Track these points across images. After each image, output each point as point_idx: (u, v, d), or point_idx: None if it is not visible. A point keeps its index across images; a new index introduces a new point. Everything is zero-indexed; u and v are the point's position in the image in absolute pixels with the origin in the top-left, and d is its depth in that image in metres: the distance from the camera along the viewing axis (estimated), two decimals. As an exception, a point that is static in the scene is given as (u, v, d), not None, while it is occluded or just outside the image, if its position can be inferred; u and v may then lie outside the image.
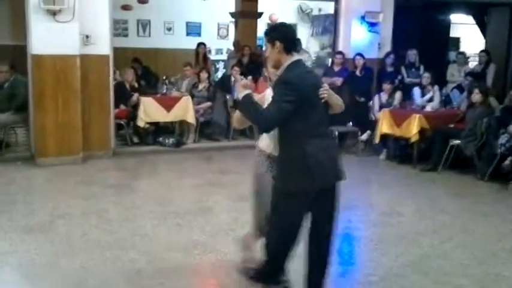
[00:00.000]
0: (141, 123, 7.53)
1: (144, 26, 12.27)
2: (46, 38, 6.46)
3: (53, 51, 6.51)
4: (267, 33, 3.04)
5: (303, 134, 2.85)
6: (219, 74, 11.03)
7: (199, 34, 12.33)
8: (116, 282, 3.60)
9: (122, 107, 7.60)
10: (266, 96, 3.10)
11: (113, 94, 7.22)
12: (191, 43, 11.34)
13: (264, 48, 11.06)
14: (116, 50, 7.32)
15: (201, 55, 9.53)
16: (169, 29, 12.40)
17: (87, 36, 6.82)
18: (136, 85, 8.04)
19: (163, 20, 12.24)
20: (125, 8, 11.66)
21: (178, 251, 4.10)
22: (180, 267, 3.83)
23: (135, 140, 7.78)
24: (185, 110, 7.68)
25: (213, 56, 11.21)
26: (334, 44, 8.94)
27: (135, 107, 7.58)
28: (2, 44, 10.13)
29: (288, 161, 2.90)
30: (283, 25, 3.13)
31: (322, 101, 2.93)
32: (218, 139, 8.09)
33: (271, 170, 3.10)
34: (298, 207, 2.95)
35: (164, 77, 8.43)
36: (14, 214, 4.88)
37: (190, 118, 7.73)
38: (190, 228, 4.67)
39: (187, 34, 12.45)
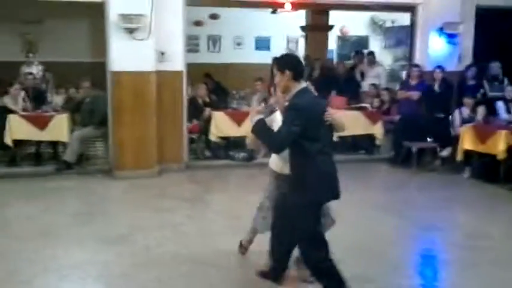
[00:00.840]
0: (212, 137, 7.60)
1: (214, 41, 12.51)
2: (124, 55, 6.71)
3: (131, 67, 6.74)
4: (277, 62, 3.33)
5: (314, 153, 3.19)
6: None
7: (268, 48, 12.38)
8: (192, 297, 3.57)
9: (195, 121, 7.71)
10: (274, 118, 3.52)
11: (186, 109, 7.35)
12: (260, 57, 11.41)
13: (334, 62, 10.96)
14: (188, 66, 7.46)
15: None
16: (238, 44, 12.55)
17: (162, 53, 7.01)
18: (208, 100, 8.14)
19: (233, 35, 12.41)
20: (197, 24, 11.93)
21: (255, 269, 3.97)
22: (259, 287, 3.74)
23: (207, 153, 7.86)
24: (256, 124, 7.64)
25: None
26: (410, 57, 8.61)
27: (207, 121, 7.66)
28: (82, 61, 10.69)
29: (303, 177, 3.22)
30: (291, 55, 3.55)
31: (327, 123, 3.30)
32: (289, 154, 7.96)
33: (279, 188, 3.61)
34: (317, 216, 3.32)
35: (234, 92, 8.47)
36: (95, 225, 5.05)
37: (261, 132, 7.67)
38: (264, 246, 4.55)
39: (257, 48, 12.55)
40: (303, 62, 10.61)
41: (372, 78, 8.88)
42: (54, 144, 7.49)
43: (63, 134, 7.05)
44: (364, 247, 4.44)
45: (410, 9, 8.37)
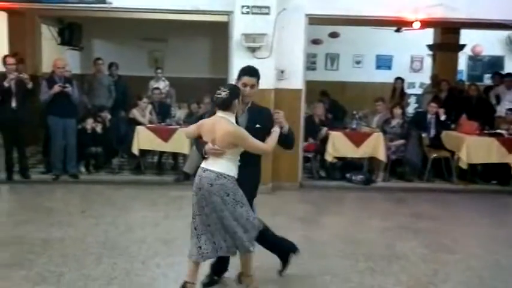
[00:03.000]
0: (329, 157, 7.40)
1: (332, 59, 12.38)
2: (245, 73, 6.78)
3: (251, 85, 6.79)
4: (254, 74, 3.71)
5: None
6: (410, 109, 10.43)
7: (389, 67, 12.00)
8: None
9: (310, 140, 7.58)
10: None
11: (302, 127, 7.24)
12: (380, 76, 11.05)
13: (466, 83, 10.19)
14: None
15: (398, 90, 9.17)
16: (358, 62, 12.28)
17: (281, 71, 6.99)
18: (324, 119, 7.97)
19: (353, 53, 12.18)
20: (315, 42, 11.89)
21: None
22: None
23: (322, 174, 7.67)
24: (376, 147, 7.33)
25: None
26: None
27: (323, 141, 7.48)
28: (202, 77, 11.20)
29: (259, 167, 3.89)
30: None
31: None
32: (411, 179, 7.53)
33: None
34: None
35: (354, 112, 8.21)
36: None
37: (381, 155, 7.33)
38: (384, 274, 4.31)
39: (377, 67, 12.22)
40: (430, 82, 9.92)
41: (509, 103, 8.10)
42: (175, 155, 7.82)
43: (185, 146, 7.31)
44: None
45: (558, 26, 7.53)
